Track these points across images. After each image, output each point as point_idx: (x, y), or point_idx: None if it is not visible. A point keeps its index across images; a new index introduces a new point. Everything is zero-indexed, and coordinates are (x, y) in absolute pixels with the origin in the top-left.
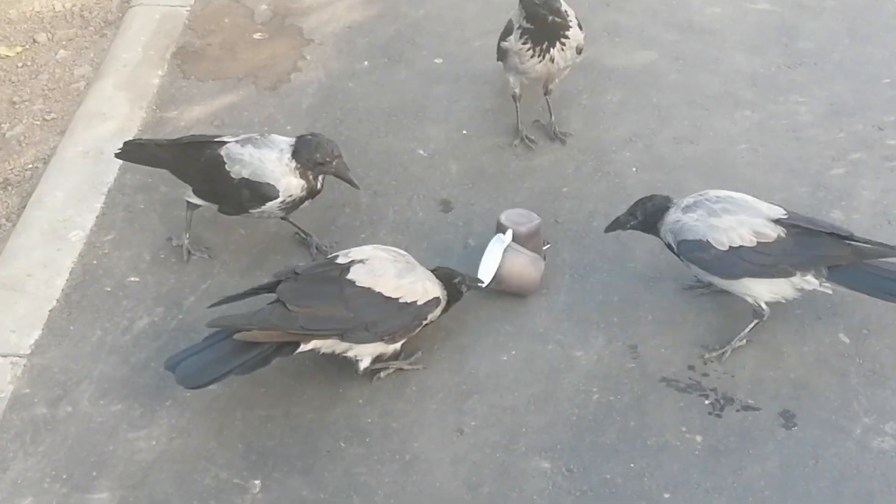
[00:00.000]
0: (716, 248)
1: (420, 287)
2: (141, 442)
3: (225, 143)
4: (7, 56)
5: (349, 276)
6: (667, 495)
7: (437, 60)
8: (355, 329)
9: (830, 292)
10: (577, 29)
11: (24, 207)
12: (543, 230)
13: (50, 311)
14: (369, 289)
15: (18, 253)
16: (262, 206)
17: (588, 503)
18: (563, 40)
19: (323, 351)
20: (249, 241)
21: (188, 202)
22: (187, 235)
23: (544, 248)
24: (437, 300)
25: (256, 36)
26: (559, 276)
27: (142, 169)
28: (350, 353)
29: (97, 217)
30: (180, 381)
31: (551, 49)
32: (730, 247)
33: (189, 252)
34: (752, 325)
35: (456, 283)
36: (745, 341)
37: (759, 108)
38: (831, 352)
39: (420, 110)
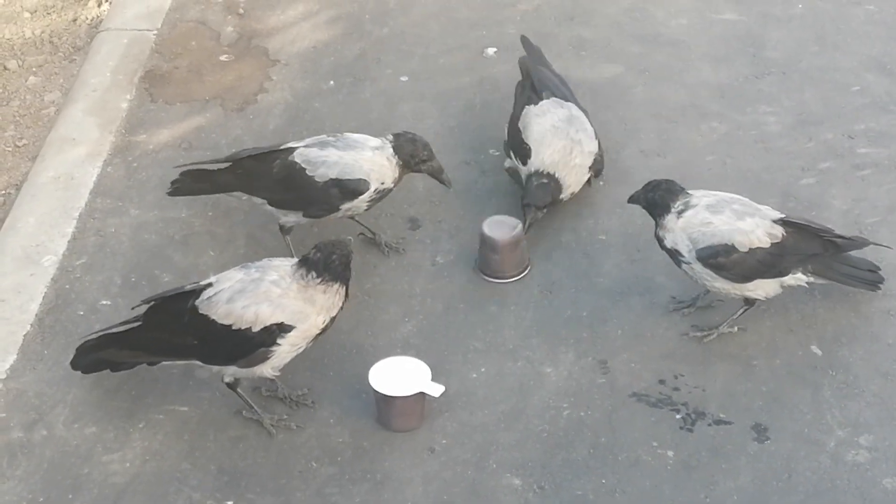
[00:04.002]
0: (738, 252)
1: (251, 314)
2: (115, 465)
3: (293, 149)
4: None
5: (195, 303)
6: None
7: (402, 78)
8: (206, 356)
9: (806, 286)
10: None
11: None
12: None
13: (24, 335)
14: (206, 315)
15: None
16: (353, 201)
17: None
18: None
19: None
20: (219, 262)
21: (280, 226)
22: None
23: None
24: (278, 327)
25: (223, 58)
26: (527, 292)
27: (112, 193)
28: (216, 371)
29: (69, 242)
30: (72, 362)
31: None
32: (749, 249)
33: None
34: (741, 310)
35: (350, 262)
36: (735, 328)
37: (727, 120)
38: (804, 364)
39: (386, 129)
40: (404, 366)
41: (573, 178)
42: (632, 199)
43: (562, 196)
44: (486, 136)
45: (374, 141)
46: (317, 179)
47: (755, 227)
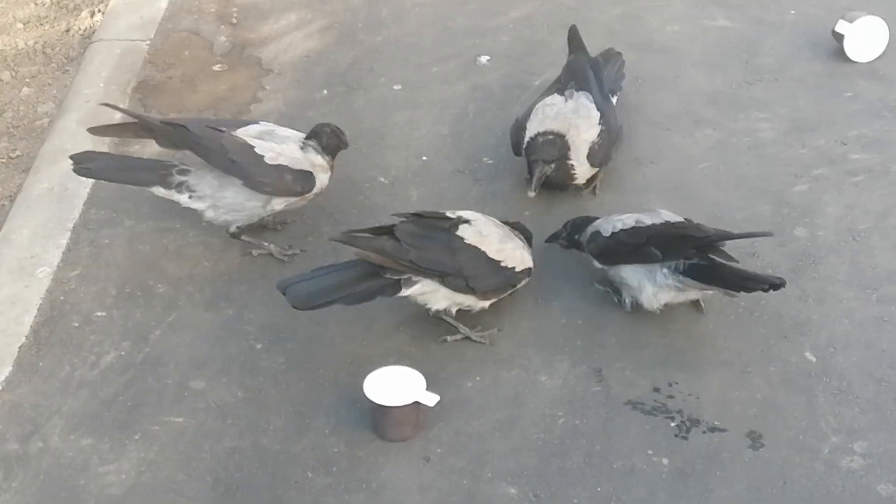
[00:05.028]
0: (603, 236)
1: (519, 255)
2: (111, 476)
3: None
4: None
5: (458, 233)
6: None
7: (395, 87)
8: (456, 276)
9: (681, 286)
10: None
11: None
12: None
13: (19, 347)
14: (476, 247)
15: None
16: (305, 195)
17: None
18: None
19: (418, 299)
20: (213, 273)
21: (232, 234)
22: (266, 243)
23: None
24: (529, 270)
25: (216, 68)
26: (522, 301)
27: (106, 204)
28: (440, 304)
29: (63, 253)
30: (292, 300)
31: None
32: (612, 232)
33: (284, 256)
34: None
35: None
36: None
37: (720, 127)
38: (798, 371)
39: (380, 138)
40: (399, 375)
41: (580, 149)
42: (552, 238)
43: (570, 161)
44: (480, 144)
45: (297, 137)
46: (267, 161)
47: (627, 218)
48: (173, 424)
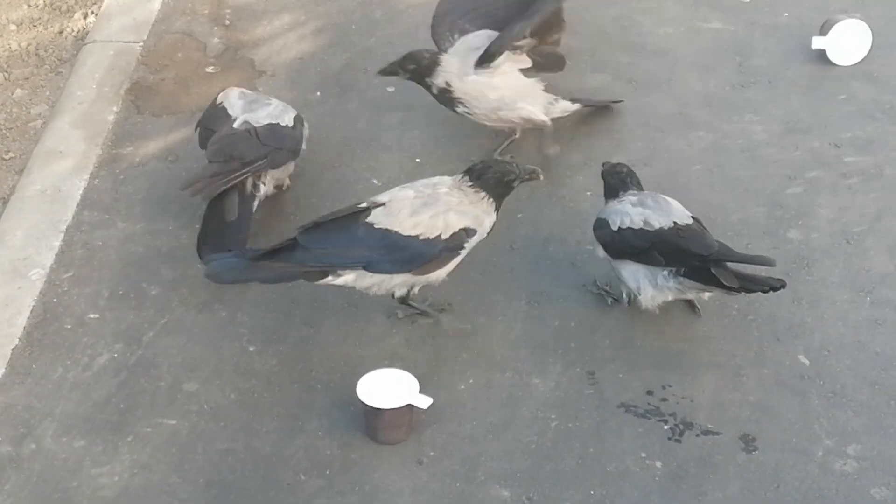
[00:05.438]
0: (610, 228)
1: (440, 222)
2: (104, 478)
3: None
4: None
5: (369, 219)
6: None
7: (389, 89)
8: (377, 263)
9: (681, 287)
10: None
11: None
12: (498, 256)
13: (12, 349)
14: (386, 229)
15: None
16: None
17: None
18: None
19: (353, 285)
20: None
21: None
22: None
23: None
24: (465, 232)
25: (209, 70)
26: (515, 302)
27: (99, 206)
28: (385, 286)
29: (56, 255)
30: (208, 275)
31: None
32: (619, 228)
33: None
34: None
35: (508, 182)
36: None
37: (714, 129)
38: (791, 373)
39: (373, 139)
40: (392, 378)
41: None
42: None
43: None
44: (473, 146)
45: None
46: (286, 123)
47: (636, 214)
48: (166, 426)
